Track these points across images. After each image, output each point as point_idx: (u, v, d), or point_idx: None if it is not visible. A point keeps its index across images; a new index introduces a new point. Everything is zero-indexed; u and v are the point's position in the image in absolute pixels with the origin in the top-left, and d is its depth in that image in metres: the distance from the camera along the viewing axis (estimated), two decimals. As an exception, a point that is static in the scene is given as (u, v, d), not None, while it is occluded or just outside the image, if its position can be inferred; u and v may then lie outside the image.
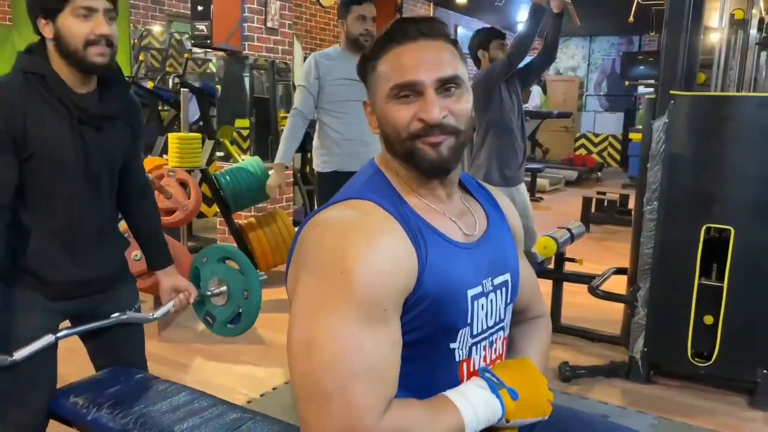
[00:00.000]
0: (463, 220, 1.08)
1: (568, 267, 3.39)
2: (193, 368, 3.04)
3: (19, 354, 1.44)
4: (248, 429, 1.40)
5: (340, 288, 0.88)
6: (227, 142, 5.21)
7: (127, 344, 1.74)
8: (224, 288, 1.93)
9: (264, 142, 5.33)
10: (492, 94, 3.21)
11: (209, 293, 1.91)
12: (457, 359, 1.03)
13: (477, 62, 3.44)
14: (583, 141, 12.47)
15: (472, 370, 1.05)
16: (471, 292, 1.02)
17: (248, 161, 4.14)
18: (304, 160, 6.28)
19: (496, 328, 1.10)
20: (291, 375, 0.90)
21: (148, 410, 1.47)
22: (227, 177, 3.98)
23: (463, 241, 1.05)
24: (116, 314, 1.65)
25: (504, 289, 1.11)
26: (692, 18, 2.72)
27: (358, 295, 0.87)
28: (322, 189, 3.16)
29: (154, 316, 1.73)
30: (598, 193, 6.72)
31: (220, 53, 4.77)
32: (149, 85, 5.10)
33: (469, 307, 1.02)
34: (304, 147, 6.20)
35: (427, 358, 1.00)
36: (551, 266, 3.35)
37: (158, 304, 3.68)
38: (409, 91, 0.98)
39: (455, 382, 1.03)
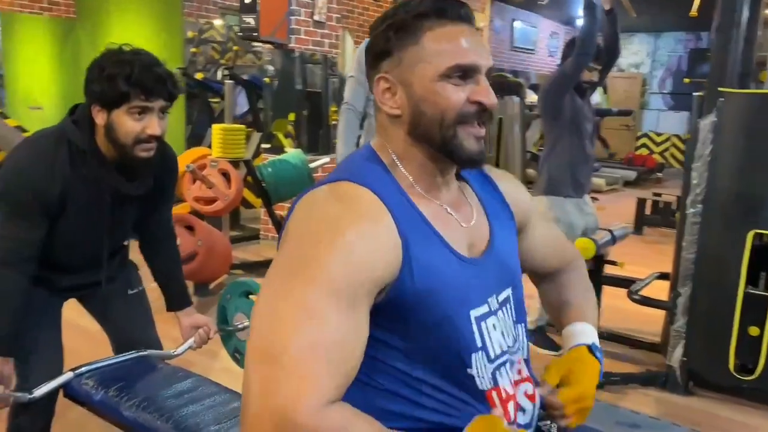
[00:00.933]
0: (459, 210, 1.02)
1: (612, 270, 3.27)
2: (222, 356, 3.08)
3: (39, 391, 1.48)
4: (245, 418, 1.40)
5: (316, 261, 0.83)
6: (281, 135, 5.29)
7: (135, 326, 1.79)
8: (247, 323, 1.93)
9: (315, 136, 5.38)
10: (564, 98, 3.08)
11: (234, 328, 1.92)
12: (480, 387, 0.95)
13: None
14: (644, 140, 12.04)
15: (504, 397, 0.97)
16: (474, 313, 0.95)
17: (290, 153, 4.19)
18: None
19: (515, 347, 1.03)
20: (250, 335, 0.84)
21: (152, 395, 1.50)
22: (269, 168, 4.03)
23: (467, 254, 0.98)
24: (138, 352, 1.68)
25: (508, 305, 1.04)
26: (750, 10, 2.56)
27: (331, 271, 0.82)
28: None
29: (176, 352, 1.76)
30: (654, 194, 6.48)
31: (269, 47, 4.82)
32: (198, 76, 5.22)
33: (475, 328, 0.94)
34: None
35: (447, 388, 0.93)
36: (590, 268, 3.23)
37: (198, 290, 3.78)
38: (466, 74, 0.93)
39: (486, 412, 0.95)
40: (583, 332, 1.13)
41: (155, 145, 1.48)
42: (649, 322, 3.33)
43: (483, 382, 0.95)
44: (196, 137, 5.60)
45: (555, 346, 3.09)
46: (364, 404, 0.86)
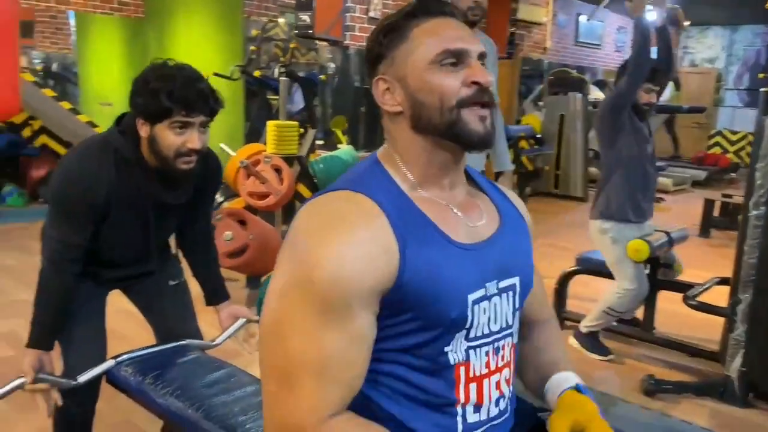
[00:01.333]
0: (468, 212, 1.02)
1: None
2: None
3: (83, 378, 1.56)
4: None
5: (307, 277, 0.87)
6: (339, 132, 5.34)
7: (176, 317, 1.85)
8: None
9: (374, 132, 5.40)
10: (621, 119, 2.96)
11: None
12: (451, 362, 0.97)
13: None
14: (718, 138, 11.48)
15: (471, 375, 0.99)
16: (472, 296, 0.96)
17: (341, 150, 4.22)
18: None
19: (503, 333, 1.03)
20: (259, 347, 0.91)
21: (186, 383, 1.54)
22: (320, 164, 4.08)
23: (467, 242, 0.99)
24: (178, 342, 1.74)
25: (511, 292, 1.04)
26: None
27: (321, 288, 0.86)
28: None
29: (215, 342, 1.81)
30: (724, 195, 6.16)
31: (324, 44, 4.87)
32: (256, 74, 5.33)
33: (470, 311, 0.96)
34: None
35: (421, 364, 0.96)
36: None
37: (250, 283, 3.87)
38: (456, 58, 0.95)
39: (450, 386, 0.98)
40: (567, 379, 1.08)
41: (195, 158, 1.53)
42: (708, 329, 3.18)
43: (455, 357, 0.97)
44: (255, 133, 5.73)
45: (605, 351, 2.99)
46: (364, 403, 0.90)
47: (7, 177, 5.84)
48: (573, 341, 3.11)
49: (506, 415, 1.06)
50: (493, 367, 1.01)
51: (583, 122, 7.66)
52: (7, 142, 5.50)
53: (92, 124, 5.54)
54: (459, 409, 0.98)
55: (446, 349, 0.96)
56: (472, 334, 0.98)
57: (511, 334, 1.05)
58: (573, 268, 3.37)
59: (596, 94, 8.58)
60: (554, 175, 7.80)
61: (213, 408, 1.44)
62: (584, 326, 3.07)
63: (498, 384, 1.02)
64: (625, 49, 11.60)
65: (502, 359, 1.03)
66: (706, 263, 3.76)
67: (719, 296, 2.88)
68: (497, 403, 1.03)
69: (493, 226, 1.04)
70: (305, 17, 4.37)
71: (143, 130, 1.50)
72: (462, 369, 0.98)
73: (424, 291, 0.91)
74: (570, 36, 10.24)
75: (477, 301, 0.97)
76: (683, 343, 3.08)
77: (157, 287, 1.83)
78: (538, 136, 7.86)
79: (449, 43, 0.94)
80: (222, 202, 4.26)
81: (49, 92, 5.74)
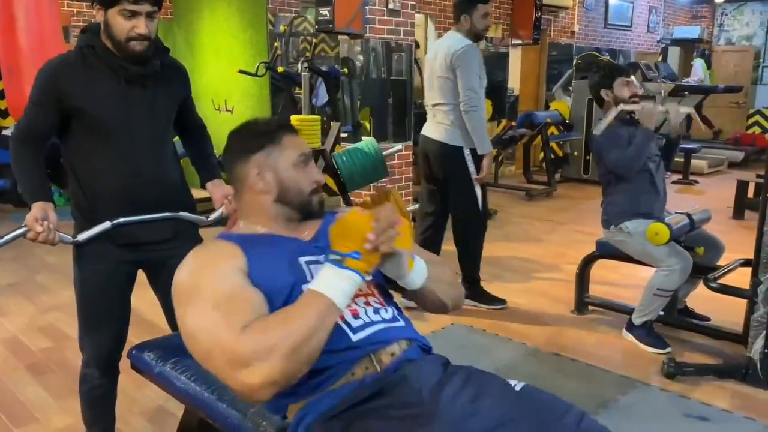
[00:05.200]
0: (303, 234, 1.43)
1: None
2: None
3: (82, 236, 1.73)
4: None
5: (201, 288, 1.23)
6: (367, 124, 5.38)
7: None
8: None
9: (402, 124, 5.44)
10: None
11: None
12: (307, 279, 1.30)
13: (600, 102, 3.18)
14: (757, 118, 11.14)
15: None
16: (303, 259, 1.32)
17: (363, 142, 4.26)
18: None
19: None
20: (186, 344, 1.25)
21: (202, 369, 1.62)
22: (343, 157, 4.13)
23: (295, 236, 1.41)
24: (168, 213, 1.86)
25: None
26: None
27: (210, 291, 1.22)
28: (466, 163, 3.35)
29: (209, 218, 1.92)
30: (758, 176, 6.00)
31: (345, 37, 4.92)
32: (280, 70, 5.41)
33: (305, 269, 1.30)
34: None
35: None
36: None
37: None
38: (305, 159, 1.43)
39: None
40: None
41: (146, 42, 1.69)
42: (732, 312, 3.14)
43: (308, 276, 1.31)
44: (282, 128, 5.82)
45: (663, 344, 2.93)
46: None
47: (48, 178, 6.04)
48: (626, 334, 3.04)
49: (399, 322, 1.33)
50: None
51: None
52: (49, 145, 5.70)
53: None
54: (342, 323, 1.23)
55: (304, 287, 1.25)
56: (309, 278, 1.30)
57: None
58: (593, 253, 3.37)
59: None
60: (583, 161, 7.72)
61: (225, 391, 1.51)
62: (636, 317, 2.99)
63: (366, 302, 1.31)
64: (657, 30, 11.35)
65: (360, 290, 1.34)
66: (739, 246, 3.68)
67: (745, 278, 2.85)
68: (376, 312, 1.31)
69: (312, 234, 1.43)
70: (325, 12, 4.43)
71: (98, 16, 1.68)
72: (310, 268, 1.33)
73: (267, 267, 1.28)
74: (599, 19, 10.07)
75: (310, 263, 1.32)
76: (705, 326, 3.07)
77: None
78: (567, 121, 7.78)
79: (301, 149, 1.44)
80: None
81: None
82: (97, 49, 1.70)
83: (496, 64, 8.52)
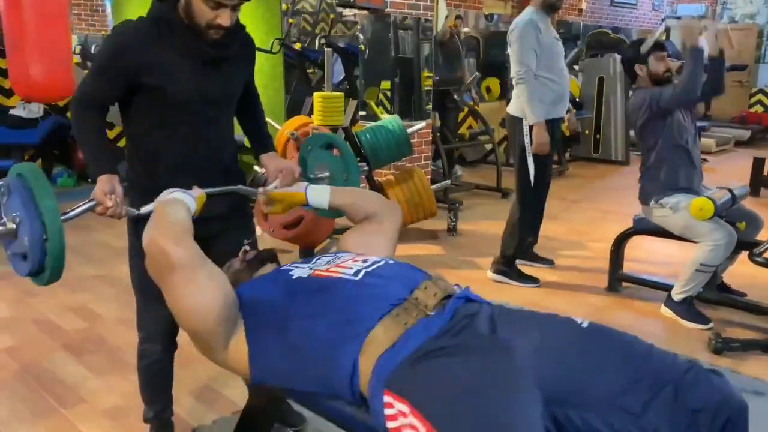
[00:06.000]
0: None
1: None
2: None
3: (145, 209, 1.61)
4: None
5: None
6: (372, 103, 5.31)
7: None
8: (327, 173, 2.01)
9: (408, 102, 5.37)
10: (662, 124, 2.97)
11: (314, 176, 2.01)
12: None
13: (632, 76, 3.16)
14: (759, 97, 11.11)
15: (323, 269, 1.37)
16: None
17: (387, 120, 4.19)
18: (443, 118, 6.25)
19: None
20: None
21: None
22: (367, 135, 4.07)
23: None
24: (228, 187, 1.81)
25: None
26: None
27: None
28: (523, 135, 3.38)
29: (264, 190, 1.82)
30: (773, 153, 6.02)
31: (365, 13, 4.83)
32: (297, 46, 5.31)
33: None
34: (444, 105, 6.18)
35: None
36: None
37: (303, 253, 3.91)
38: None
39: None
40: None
41: (224, 31, 1.61)
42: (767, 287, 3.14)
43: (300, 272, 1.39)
44: (295, 106, 5.74)
45: (705, 320, 2.92)
46: None
47: (56, 159, 5.96)
48: (665, 310, 3.02)
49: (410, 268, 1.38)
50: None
51: (623, 84, 7.51)
52: (55, 124, 5.60)
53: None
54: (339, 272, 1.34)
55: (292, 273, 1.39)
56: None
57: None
58: (629, 230, 3.34)
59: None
60: (594, 139, 7.68)
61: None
62: (677, 293, 2.97)
63: (354, 260, 1.39)
64: (662, 8, 11.28)
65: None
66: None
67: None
68: (365, 261, 1.38)
69: None
70: (346, -14, 4.33)
71: None
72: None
73: None
74: (605, -4, 10.00)
75: None
76: (746, 302, 3.06)
77: (232, 248, 1.85)
78: (577, 99, 7.72)
79: None
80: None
81: (91, 73, 5.81)
82: (173, 24, 1.60)
83: (504, 42, 8.44)
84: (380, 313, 1.20)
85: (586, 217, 5.10)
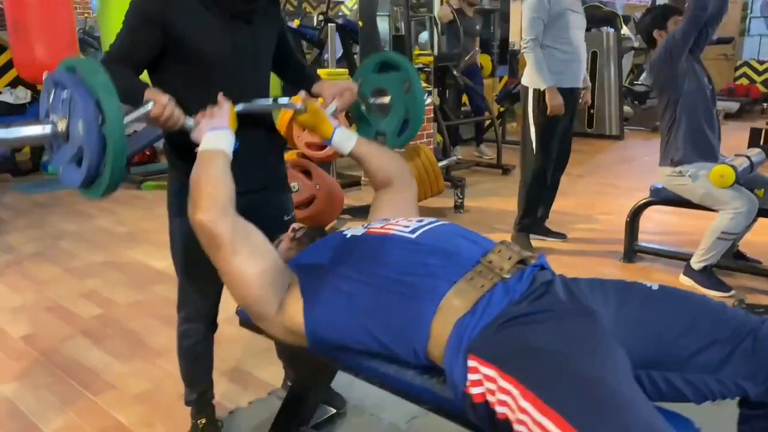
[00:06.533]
0: None
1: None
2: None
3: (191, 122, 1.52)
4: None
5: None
6: (364, 81, 5.25)
7: None
8: (387, 99, 1.86)
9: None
10: (680, 65, 2.91)
11: (372, 102, 1.87)
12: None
13: (652, 43, 3.14)
14: (745, 69, 11.22)
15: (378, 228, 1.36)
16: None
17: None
18: (442, 95, 6.20)
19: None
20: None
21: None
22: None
23: None
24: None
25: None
26: None
27: None
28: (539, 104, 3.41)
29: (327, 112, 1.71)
30: (768, 123, 6.06)
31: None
32: (295, 23, 5.21)
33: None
34: (444, 82, 6.12)
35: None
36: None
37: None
38: None
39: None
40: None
41: None
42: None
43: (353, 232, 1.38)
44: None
45: (725, 287, 2.93)
46: None
47: (44, 146, 5.81)
48: (684, 279, 3.02)
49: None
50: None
51: (616, 59, 7.50)
52: (44, 109, 5.46)
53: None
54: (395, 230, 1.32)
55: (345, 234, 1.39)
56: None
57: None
58: (646, 200, 3.33)
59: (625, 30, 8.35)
60: (587, 114, 7.68)
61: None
62: (696, 262, 2.97)
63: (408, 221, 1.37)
64: (648, -18, 11.27)
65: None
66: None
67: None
68: (420, 221, 1.36)
69: None
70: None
71: None
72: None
73: None
74: (593, -29, 9.95)
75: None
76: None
77: (271, 223, 1.78)
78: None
79: None
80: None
81: (77, 58, 5.67)
82: None
83: (498, 18, 8.41)
84: (453, 276, 1.17)
85: (592, 191, 5.10)
